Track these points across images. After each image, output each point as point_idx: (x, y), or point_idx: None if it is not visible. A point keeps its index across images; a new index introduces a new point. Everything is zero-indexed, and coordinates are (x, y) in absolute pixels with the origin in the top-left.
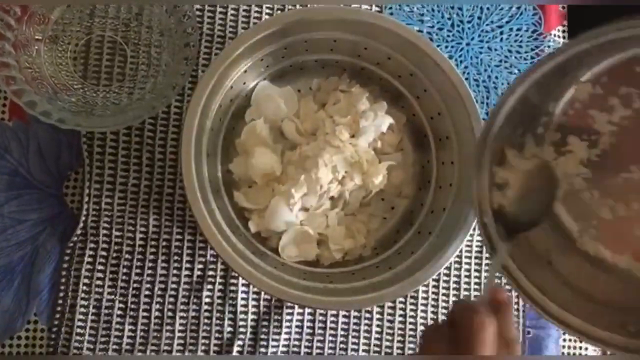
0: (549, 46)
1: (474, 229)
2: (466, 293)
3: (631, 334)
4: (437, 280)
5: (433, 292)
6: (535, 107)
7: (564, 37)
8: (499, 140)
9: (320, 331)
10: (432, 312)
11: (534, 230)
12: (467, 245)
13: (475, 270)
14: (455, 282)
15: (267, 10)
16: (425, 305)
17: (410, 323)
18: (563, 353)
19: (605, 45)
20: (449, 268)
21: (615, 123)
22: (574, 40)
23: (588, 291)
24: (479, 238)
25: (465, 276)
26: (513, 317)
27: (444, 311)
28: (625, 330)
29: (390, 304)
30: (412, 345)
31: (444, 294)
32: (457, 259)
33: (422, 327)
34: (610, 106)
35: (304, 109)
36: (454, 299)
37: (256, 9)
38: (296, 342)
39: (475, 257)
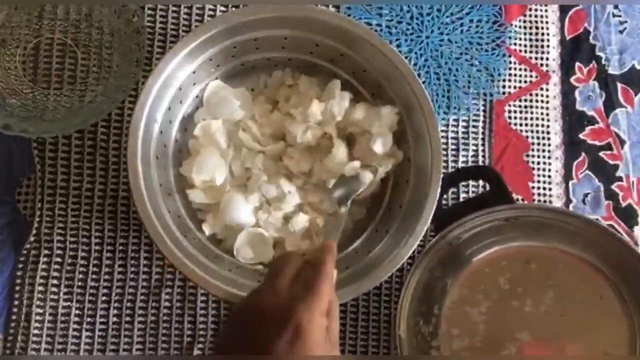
0: (509, 37)
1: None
2: None
3: None
4: (400, 277)
5: (396, 289)
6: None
7: (524, 28)
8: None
9: None
10: (395, 309)
11: None
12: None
13: None
14: None
15: (222, 8)
16: (389, 302)
17: (373, 320)
18: None
19: None
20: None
21: (484, 312)
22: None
23: None
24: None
25: None
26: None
27: None
28: None
29: (352, 302)
30: (375, 343)
31: None
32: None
33: (385, 325)
34: (476, 300)
35: (259, 110)
36: None
37: (210, 6)
38: None
39: None
